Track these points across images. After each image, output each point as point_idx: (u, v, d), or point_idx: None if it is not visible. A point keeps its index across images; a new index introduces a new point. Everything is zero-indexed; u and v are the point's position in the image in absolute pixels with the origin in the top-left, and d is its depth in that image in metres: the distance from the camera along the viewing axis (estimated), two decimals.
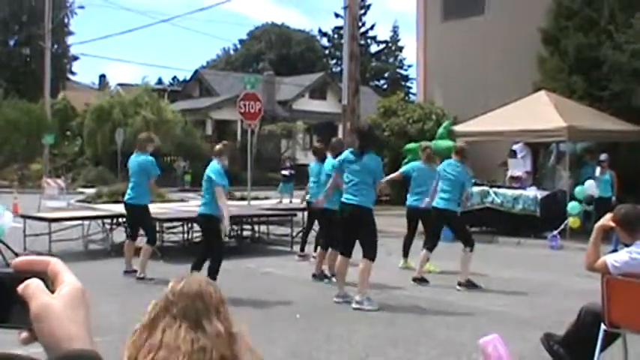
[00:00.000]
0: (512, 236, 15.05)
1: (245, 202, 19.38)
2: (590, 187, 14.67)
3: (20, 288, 1.00)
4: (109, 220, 13.83)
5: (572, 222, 14.45)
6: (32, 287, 1.00)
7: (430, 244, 10.47)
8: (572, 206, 14.61)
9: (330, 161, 10.53)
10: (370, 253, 8.56)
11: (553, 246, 14.32)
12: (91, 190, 26.88)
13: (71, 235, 13.49)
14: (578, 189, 14.83)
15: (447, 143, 16.61)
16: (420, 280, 10.25)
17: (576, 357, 5.57)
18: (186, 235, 14.38)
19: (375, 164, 8.87)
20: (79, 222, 13.88)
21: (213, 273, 8.83)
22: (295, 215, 15.38)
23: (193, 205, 18.13)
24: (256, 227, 15.28)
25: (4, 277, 1.02)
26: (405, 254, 11.62)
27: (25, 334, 1.01)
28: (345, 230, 8.81)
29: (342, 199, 8.78)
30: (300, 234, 13.65)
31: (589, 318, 5.45)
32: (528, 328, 7.33)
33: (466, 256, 9.90)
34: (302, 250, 12.62)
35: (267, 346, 6.79)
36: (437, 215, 10.33)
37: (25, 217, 13.69)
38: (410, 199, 11.53)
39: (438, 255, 10.98)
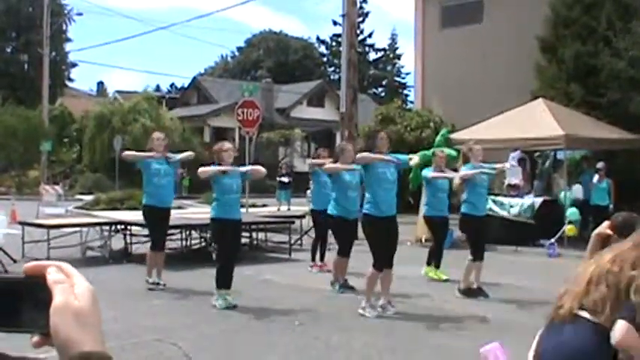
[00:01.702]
0: (509, 244, 15.06)
1: (243, 210, 19.37)
2: (576, 191, 14.78)
3: (49, 280, 1.02)
4: (107, 227, 13.82)
5: (569, 230, 14.48)
6: (59, 282, 1.02)
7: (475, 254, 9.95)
8: (572, 212, 14.64)
9: None
10: (374, 263, 8.56)
11: (551, 254, 14.33)
12: (89, 197, 26.86)
13: (69, 241, 13.47)
14: (563, 194, 14.95)
15: (445, 150, 16.63)
16: (467, 292, 9.85)
17: None
18: (185, 242, 14.38)
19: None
20: (78, 229, 13.87)
21: (217, 280, 8.85)
22: (293, 222, 15.38)
23: (192, 212, 18.16)
24: (254, 234, 15.28)
25: (15, 282, 1.04)
26: (429, 262, 11.33)
27: (36, 338, 1.03)
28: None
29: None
30: (299, 241, 13.62)
31: None
32: (526, 335, 7.31)
33: (468, 264, 9.89)
34: (322, 259, 12.13)
35: (266, 353, 6.80)
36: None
37: (23, 223, 13.68)
38: (430, 208, 11.24)
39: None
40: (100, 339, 1.01)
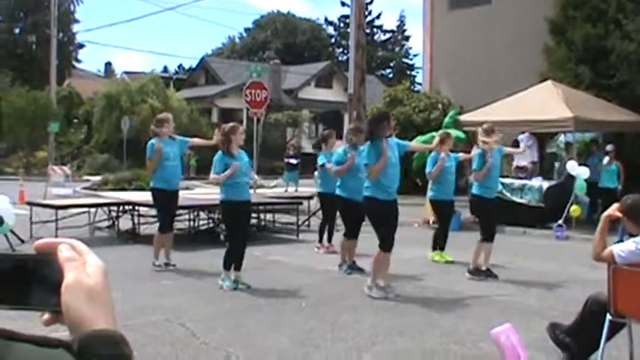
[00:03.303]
0: (517, 226, 15.03)
1: (251, 191, 19.37)
2: (582, 174, 14.66)
3: (61, 257, 1.02)
4: (115, 208, 13.86)
5: (573, 210, 14.46)
6: (71, 259, 1.02)
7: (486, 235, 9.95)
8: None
9: (339, 150, 10.49)
10: (381, 244, 8.54)
11: (559, 236, 14.31)
12: (97, 178, 26.92)
13: (77, 222, 13.53)
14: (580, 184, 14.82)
15: (453, 132, 16.56)
16: (476, 273, 9.86)
17: (582, 346, 5.59)
18: (192, 223, 14.41)
19: (363, 152, 8.85)
20: (86, 209, 13.92)
21: (225, 261, 8.87)
22: (301, 204, 15.39)
23: (199, 193, 18.18)
24: (262, 215, 15.29)
25: (26, 260, 1.03)
26: (435, 247, 11.34)
27: (47, 316, 1.02)
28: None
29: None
30: (307, 222, 13.55)
31: (595, 307, 5.46)
32: (534, 317, 7.34)
33: (478, 245, 9.87)
34: (329, 240, 12.16)
35: (274, 334, 6.82)
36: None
37: (31, 204, 13.73)
38: (437, 192, 11.19)
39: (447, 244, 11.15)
40: (112, 317, 1.01)
